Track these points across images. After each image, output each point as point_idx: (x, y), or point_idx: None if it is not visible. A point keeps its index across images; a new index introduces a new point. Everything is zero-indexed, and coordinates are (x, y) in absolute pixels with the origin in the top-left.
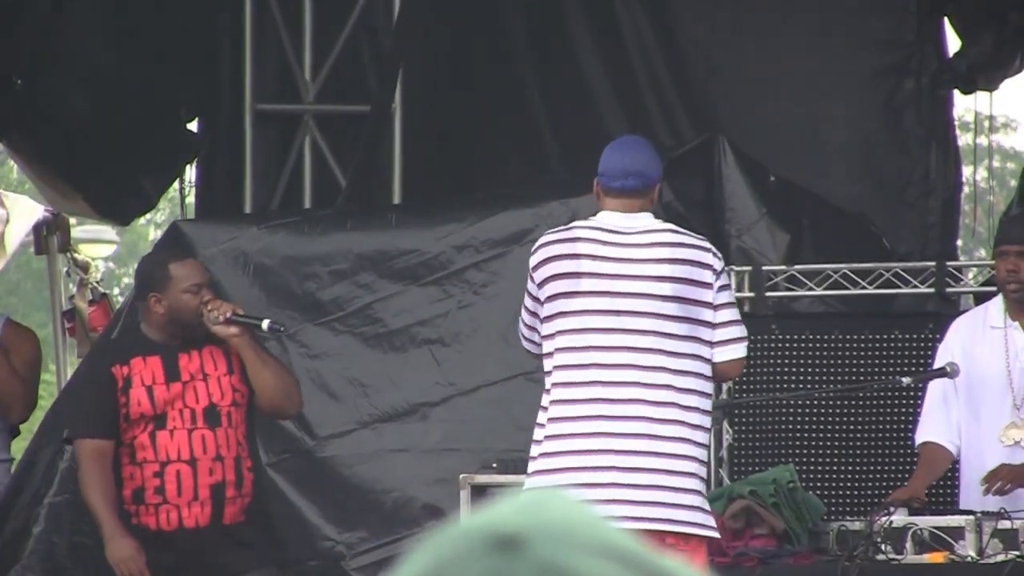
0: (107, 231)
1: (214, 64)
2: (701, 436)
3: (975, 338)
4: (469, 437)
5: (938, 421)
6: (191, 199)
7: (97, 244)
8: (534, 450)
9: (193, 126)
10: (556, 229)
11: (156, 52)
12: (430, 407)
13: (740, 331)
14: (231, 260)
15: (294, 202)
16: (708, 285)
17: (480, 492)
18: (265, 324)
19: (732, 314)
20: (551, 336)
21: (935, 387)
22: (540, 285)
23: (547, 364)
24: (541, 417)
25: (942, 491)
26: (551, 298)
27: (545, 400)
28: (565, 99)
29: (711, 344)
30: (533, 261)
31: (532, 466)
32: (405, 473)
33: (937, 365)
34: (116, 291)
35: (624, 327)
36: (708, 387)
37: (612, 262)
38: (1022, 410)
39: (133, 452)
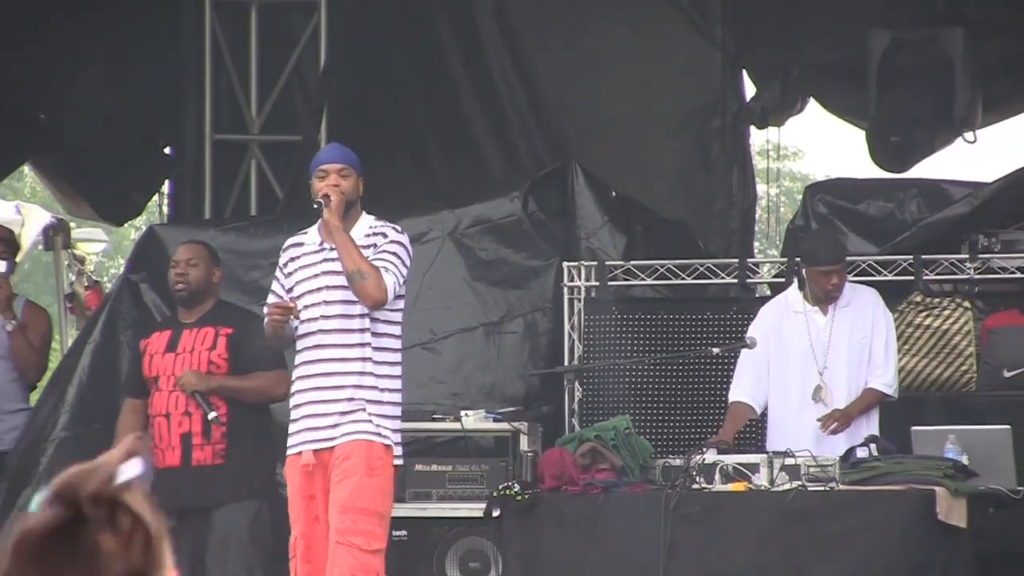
0: (99, 232)
1: (181, 103)
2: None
3: (782, 320)
4: None
5: (745, 385)
6: (167, 207)
7: (91, 242)
8: None
9: (169, 151)
10: None
11: (140, 94)
12: None
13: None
14: None
15: (243, 210)
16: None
17: None
18: (211, 416)
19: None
20: None
21: (746, 358)
22: None
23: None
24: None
25: (743, 437)
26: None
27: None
28: (449, 128)
29: None
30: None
31: None
32: None
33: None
34: (106, 279)
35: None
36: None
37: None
38: (824, 375)
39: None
